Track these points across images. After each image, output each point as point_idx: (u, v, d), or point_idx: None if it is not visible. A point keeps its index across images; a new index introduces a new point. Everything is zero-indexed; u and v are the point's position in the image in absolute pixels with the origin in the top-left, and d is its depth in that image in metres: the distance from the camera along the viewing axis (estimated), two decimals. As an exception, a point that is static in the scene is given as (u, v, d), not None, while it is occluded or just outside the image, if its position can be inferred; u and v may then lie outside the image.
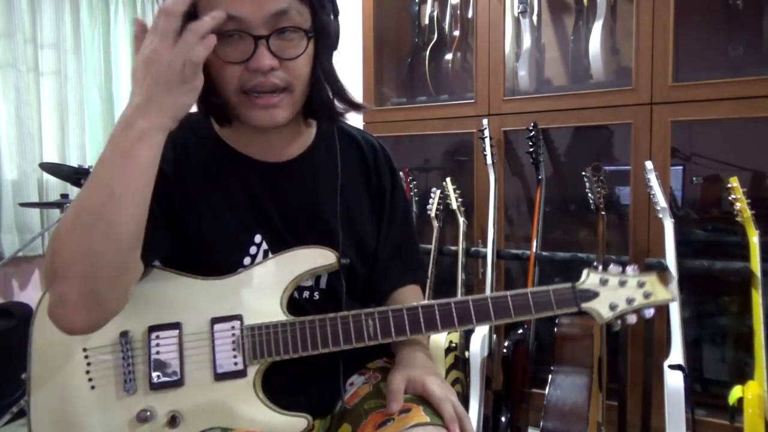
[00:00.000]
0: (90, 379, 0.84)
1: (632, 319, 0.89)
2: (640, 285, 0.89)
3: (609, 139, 2.37)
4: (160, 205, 0.82)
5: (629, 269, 0.90)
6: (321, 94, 0.87)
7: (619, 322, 0.89)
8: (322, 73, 0.86)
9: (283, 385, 0.88)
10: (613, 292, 0.89)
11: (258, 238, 0.89)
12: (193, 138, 0.91)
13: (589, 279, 0.89)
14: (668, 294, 0.90)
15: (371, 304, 0.91)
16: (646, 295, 0.89)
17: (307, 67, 0.84)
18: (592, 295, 0.88)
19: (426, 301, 0.87)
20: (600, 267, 0.91)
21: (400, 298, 1.04)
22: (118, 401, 0.83)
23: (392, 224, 1.04)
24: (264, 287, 0.86)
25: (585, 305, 0.88)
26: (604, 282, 0.89)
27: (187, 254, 0.89)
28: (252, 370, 0.83)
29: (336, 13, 0.87)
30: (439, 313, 0.86)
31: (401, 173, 1.95)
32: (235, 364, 0.83)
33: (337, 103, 0.90)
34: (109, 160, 0.70)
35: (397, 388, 0.84)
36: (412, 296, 1.06)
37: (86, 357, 0.85)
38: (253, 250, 0.89)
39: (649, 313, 0.89)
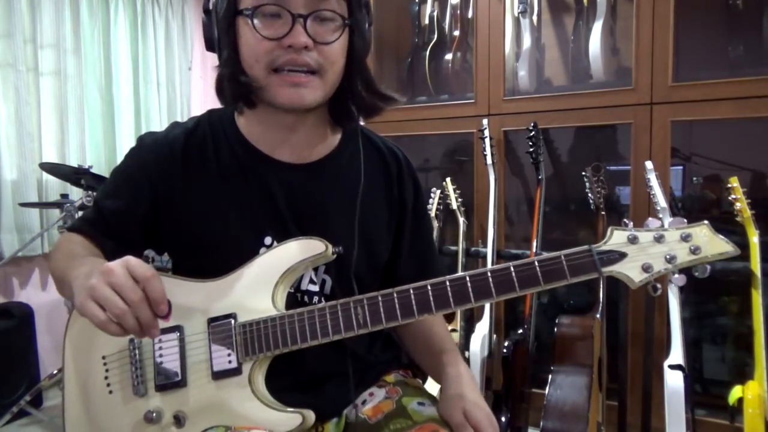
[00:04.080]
0: (108, 385, 0.89)
1: (679, 280, 0.75)
2: (685, 238, 0.74)
3: (610, 139, 2.37)
4: (134, 216, 0.89)
5: (672, 220, 0.76)
6: (355, 88, 0.88)
7: (658, 285, 0.76)
8: (357, 68, 0.88)
9: (292, 386, 0.88)
10: (646, 250, 0.75)
11: (268, 240, 0.89)
12: (215, 134, 0.92)
13: (612, 238, 0.76)
14: (726, 246, 0.74)
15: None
16: (694, 250, 0.73)
17: (341, 57, 0.85)
18: (617, 256, 0.75)
19: (417, 283, 0.79)
20: (630, 224, 0.77)
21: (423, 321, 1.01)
22: (130, 404, 0.87)
23: (416, 241, 1.02)
24: (256, 284, 0.86)
25: (608, 269, 0.75)
26: (632, 239, 0.75)
27: (194, 255, 0.90)
28: (246, 367, 0.83)
29: (370, 22, 0.89)
30: (432, 294, 0.78)
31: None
32: (230, 362, 0.83)
33: (369, 98, 0.91)
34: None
35: (460, 422, 0.85)
36: (434, 319, 1.03)
37: (104, 364, 0.89)
38: (262, 251, 0.88)
39: (705, 270, 0.75)
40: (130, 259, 0.72)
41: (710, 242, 0.74)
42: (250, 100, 0.86)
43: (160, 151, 0.90)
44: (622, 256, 0.75)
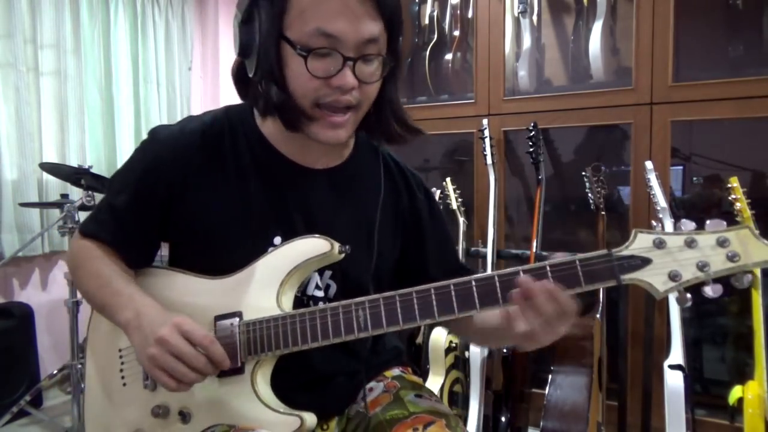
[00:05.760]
0: (123, 377, 0.91)
1: (712, 291, 0.67)
2: (721, 243, 0.66)
3: (610, 139, 2.37)
4: (149, 213, 0.89)
5: (710, 222, 0.68)
6: (384, 116, 0.90)
7: (689, 296, 0.68)
8: (389, 98, 0.89)
9: (298, 386, 0.89)
10: (674, 256, 0.67)
11: (278, 240, 0.89)
12: (233, 130, 0.92)
13: (636, 242, 0.69)
14: None
15: None
16: (732, 257, 0.65)
17: (376, 91, 0.87)
18: (640, 262, 0.68)
19: (420, 287, 0.77)
20: (659, 226, 0.72)
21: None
22: (140, 397, 0.88)
23: (441, 245, 1.03)
24: (262, 283, 0.85)
25: (628, 277, 0.68)
26: (659, 244, 0.67)
27: (202, 251, 0.90)
28: (249, 367, 0.83)
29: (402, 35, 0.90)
30: (435, 298, 0.76)
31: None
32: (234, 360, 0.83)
33: (396, 127, 0.91)
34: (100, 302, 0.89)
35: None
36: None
37: (120, 357, 0.91)
38: (270, 250, 0.88)
39: (747, 280, 0.66)
40: (183, 324, 0.77)
41: (751, 248, 0.66)
42: (292, 123, 0.85)
43: (176, 145, 0.89)
44: (645, 262, 0.68)
